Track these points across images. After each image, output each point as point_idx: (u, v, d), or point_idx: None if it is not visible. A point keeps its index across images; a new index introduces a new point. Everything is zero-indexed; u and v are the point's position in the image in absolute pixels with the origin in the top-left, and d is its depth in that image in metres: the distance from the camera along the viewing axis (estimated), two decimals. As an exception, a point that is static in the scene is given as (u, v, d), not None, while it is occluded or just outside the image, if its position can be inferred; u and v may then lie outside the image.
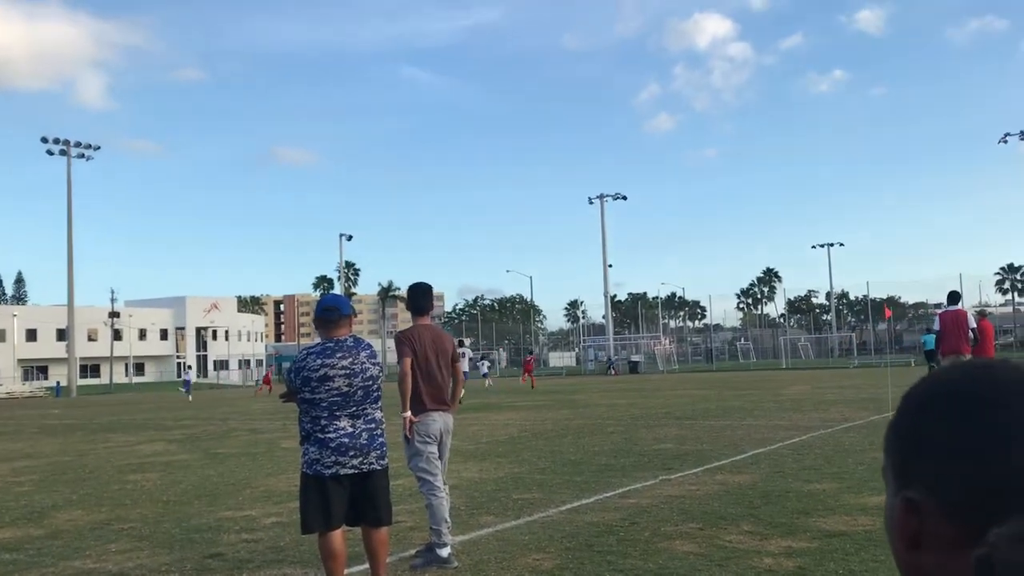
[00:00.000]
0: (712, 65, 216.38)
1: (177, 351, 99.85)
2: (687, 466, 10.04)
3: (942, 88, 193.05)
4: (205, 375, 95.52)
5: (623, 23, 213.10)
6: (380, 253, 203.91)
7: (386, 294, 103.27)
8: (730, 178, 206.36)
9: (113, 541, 7.14)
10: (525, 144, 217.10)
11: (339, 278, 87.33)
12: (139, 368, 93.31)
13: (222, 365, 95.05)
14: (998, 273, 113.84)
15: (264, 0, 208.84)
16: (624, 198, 70.16)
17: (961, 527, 0.69)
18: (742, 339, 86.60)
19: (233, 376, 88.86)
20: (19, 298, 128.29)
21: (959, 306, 13.65)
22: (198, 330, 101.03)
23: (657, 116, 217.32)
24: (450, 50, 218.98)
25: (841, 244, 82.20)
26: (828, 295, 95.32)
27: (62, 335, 76.98)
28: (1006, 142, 56.89)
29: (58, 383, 67.23)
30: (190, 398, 42.39)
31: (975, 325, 13.09)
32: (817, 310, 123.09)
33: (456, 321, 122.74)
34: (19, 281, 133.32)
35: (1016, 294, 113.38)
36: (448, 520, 6.03)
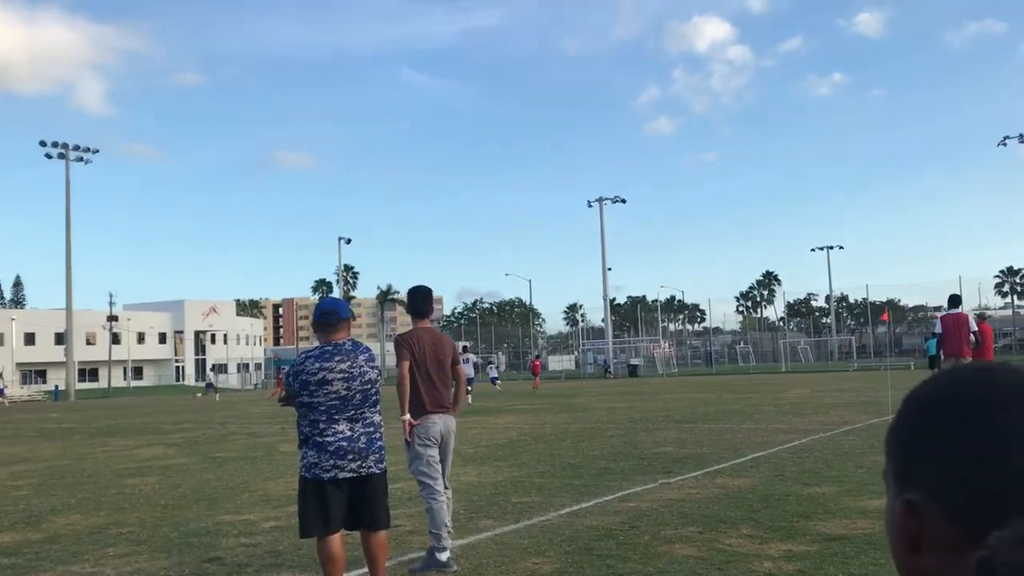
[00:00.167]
0: (712, 68, 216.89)
1: (176, 355, 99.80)
2: (687, 470, 10.03)
3: (941, 91, 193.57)
4: (203, 379, 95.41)
5: (622, 26, 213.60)
6: (379, 256, 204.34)
7: (385, 297, 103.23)
8: (729, 181, 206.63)
9: (111, 545, 7.12)
10: (524, 147, 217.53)
11: (338, 281, 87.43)
12: (137, 372, 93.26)
13: (221, 369, 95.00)
14: (998, 276, 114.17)
15: (263, 4, 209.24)
16: (623, 201, 70.25)
17: (961, 530, 0.69)
18: (742, 342, 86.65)
19: (232, 380, 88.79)
20: (17, 302, 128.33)
21: (959, 309, 13.68)
22: (197, 334, 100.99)
23: (657, 119, 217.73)
24: (449, 53, 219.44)
25: (841, 247, 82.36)
26: (828, 298, 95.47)
27: (60, 339, 76.87)
28: (1005, 145, 56.92)
29: (56, 387, 67.18)
30: (217, 397, 42.53)
31: (976, 328, 13.12)
32: (817, 313, 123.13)
33: (455, 324, 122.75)
34: (17, 284, 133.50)
35: (1016, 297, 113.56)
36: (448, 524, 6.01)
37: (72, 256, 65.83)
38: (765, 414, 18.19)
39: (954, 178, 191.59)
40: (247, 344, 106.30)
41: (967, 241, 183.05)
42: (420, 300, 6.40)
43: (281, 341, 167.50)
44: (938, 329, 13.46)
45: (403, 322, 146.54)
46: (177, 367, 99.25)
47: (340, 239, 77.97)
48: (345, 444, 4.88)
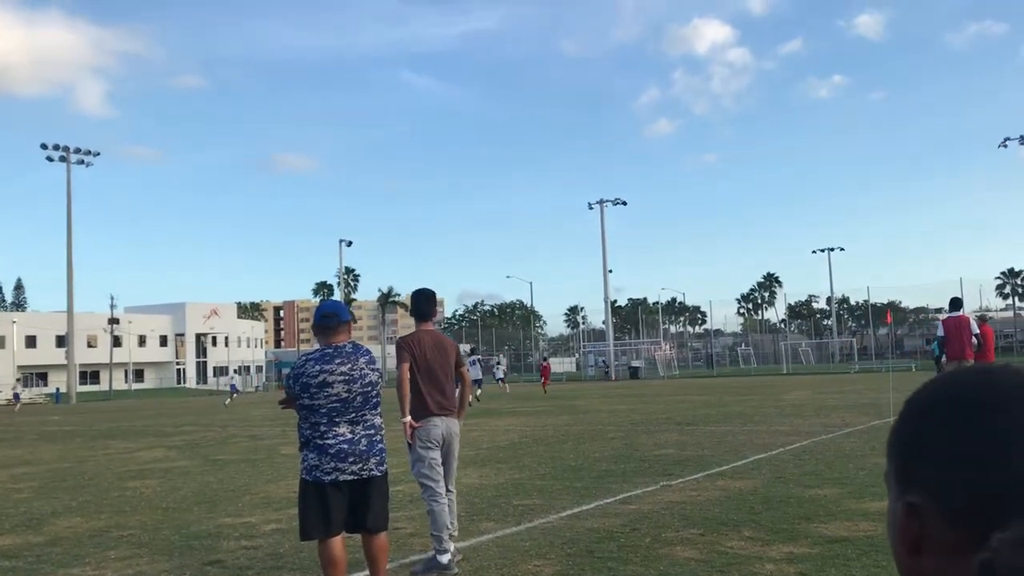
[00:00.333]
0: (712, 70, 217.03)
1: (177, 357, 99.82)
2: (688, 472, 10.02)
3: (942, 92, 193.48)
4: (205, 381, 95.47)
5: (622, 28, 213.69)
6: (380, 259, 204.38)
7: (386, 300, 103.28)
8: (730, 183, 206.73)
9: (112, 548, 7.12)
10: (525, 149, 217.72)
11: (339, 284, 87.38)
12: (139, 375, 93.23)
13: (222, 371, 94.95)
14: (999, 278, 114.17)
15: (263, 6, 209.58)
16: (624, 203, 70.20)
17: (962, 532, 0.69)
18: (743, 344, 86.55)
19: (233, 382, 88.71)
20: (18, 304, 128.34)
21: (961, 312, 13.68)
22: (198, 336, 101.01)
23: (657, 121, 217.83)
24: (449, 55, 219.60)
25: (842, 249, 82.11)
26: (829, 300, 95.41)
27: (62, 341, 76.93)
28: (1006, 146, 56.86)
29: (57, 389, 67.23)
30: (233, 396, 42.68)
31: (977, 330, 13.12)
32: (818, 315, 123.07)
33: (456, 327, 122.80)
34: (18, 287, 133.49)
35: (1017, 299, 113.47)
36: (450, 526, 6.02)
37: (73, 259, 65.99)
38: (766, 416, 18.18)
39: (955, 180, 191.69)
40: (248, 347, 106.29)
41: (968, 243, 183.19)
42: (423, 303, 6.41)
43: (282, 344, 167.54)
44: (940, 332, 13.48)
45: (404, 324, 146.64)
46: (178, 370, 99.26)
47: (341, 241, 78.02)
48: (346, 447, 4.88)
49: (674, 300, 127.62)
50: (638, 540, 6.49)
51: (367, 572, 5.29)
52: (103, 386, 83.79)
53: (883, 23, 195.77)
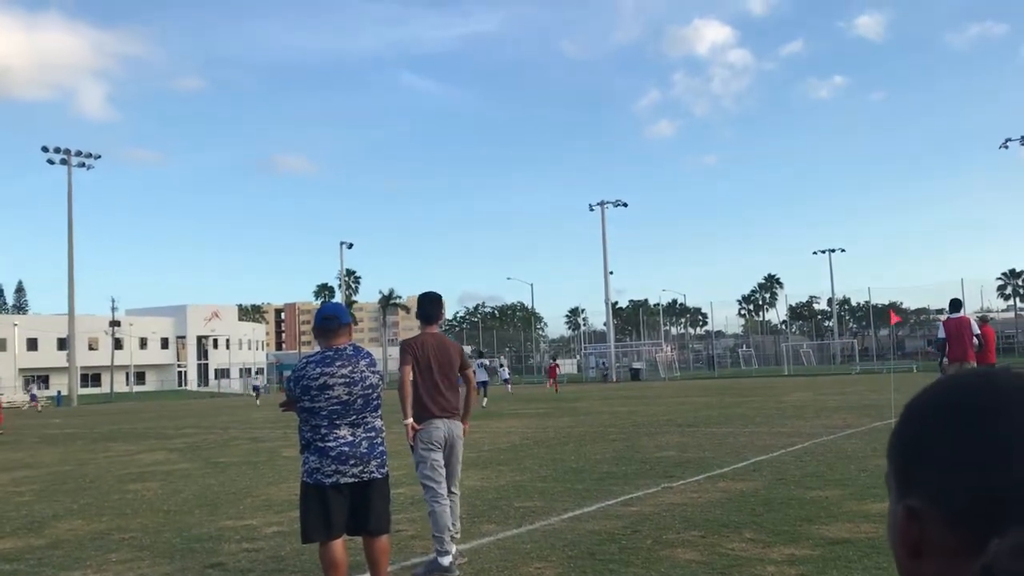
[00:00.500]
0: (712, 72, 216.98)
1: (178, 360, 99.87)
2: (689, 473, 10.02)
3: (942, 93, 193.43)
4: (206, 384, 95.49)
5: (622, 30, 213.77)
6: (381, 261, 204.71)
7: (387, 302, 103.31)
8: (731, 184, 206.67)
9: (114, 551, 7.12)
10: (525, 151, 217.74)
11: (340, 286, 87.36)
12: (140, 377, 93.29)
13: (223, 374, 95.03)
14: (1000, 278, 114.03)
15: (263, 8, 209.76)
16: (625, 205, 70.11)
17: (963, 536, 0.69)
18: (744, 346, 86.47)
19: (234, 385, 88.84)
20: (20, 307, 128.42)
21: (961, 313, 13.67)
22: (199, 338, 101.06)
23: (657, 122, 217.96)
24: (449, 57, 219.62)
25: (842, 250, 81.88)
26: (830, 301, 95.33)
27: (63, 344, 76.94)
28: (1007, 147, 56.86)
29: (59, 392, 67.23)
30: (258, 402, 43.03)
31: (978, 331, 13.12)
32: (819, 316, 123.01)
33: (457, 329, 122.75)
34: (20, 290, 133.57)
35: (1018, 299, 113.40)
36: (452, 528, 6.02)
37: (74, 261, 65.96)
38: (767, 417, 18.17)
39: (955, 180, 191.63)
40: (249, 349, 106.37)
41: (969, 243, 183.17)
42: (428, 305, 6.43)
43: (283, 346, 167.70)
44: (941, 334, 13.47)
45: (404, 326, 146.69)
46: (179, 372, 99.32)
47: (342, 243, 77.97)
48: (347, 449, 4.88)
49: (675, 302, 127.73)
50: (639, 542, 6.48)
51: (368, 575, 5.28)
52: (104, 388, 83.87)
53: (883, 24, 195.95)
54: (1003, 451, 0.69)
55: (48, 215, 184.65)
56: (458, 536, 6.25)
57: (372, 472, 4.95)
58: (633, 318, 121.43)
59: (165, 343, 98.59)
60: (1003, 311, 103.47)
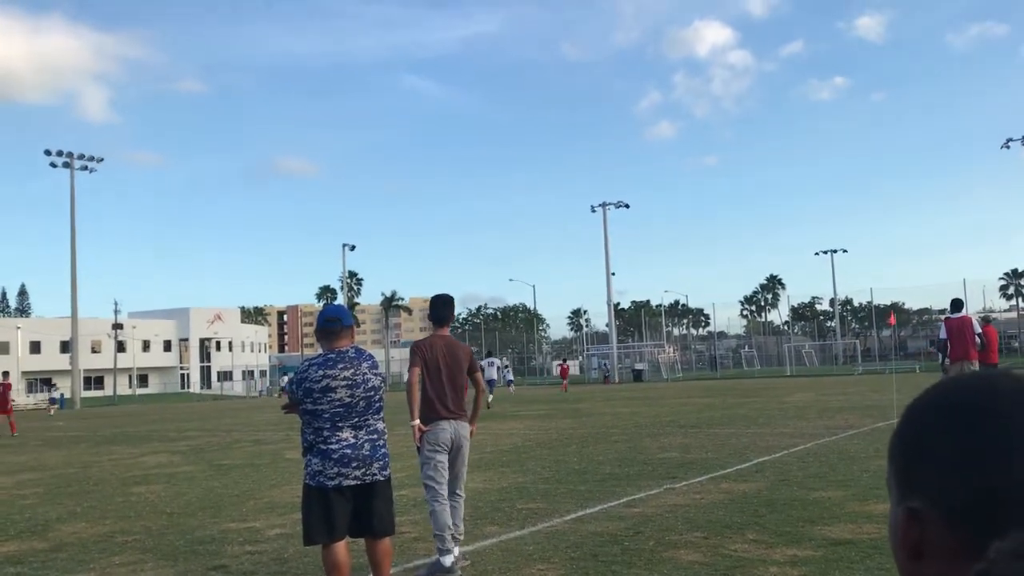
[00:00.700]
0: (712, 73, 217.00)
1: (181, 362, 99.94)
2: (692, 475, 10.01)
3: (943, 93, 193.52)
4: (209, 386, 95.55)
5: (623, 32, 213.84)
6: (383, 262, 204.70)
7: (389, 304, 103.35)
8: (732, 185, 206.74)
9: (117, 553, 7.13)
10: (527, 152, 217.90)
11: (342, 288, 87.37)
12: (143, 380, 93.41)
13: (226, 376, 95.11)
14: (1002, 278, 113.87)
15: (264, 11, 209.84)
16: (626, 206, 70.07)
17: (963, 538, 0.69)
18: (746, 346, 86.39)
19: (237, 387, 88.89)
20: (23, 310, 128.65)
21: (963, 313, 13.66)
22: (202, 341, 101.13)
23: (658, 124, 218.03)
24: (451, 59, 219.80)
25: (844, 251, 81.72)
26: (832, 302, 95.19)
27: (66, 347, 76.99)
28: (1008, 147, 56.76)
29: (62, 395, 67.25)
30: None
31: (980, 331, 13.10)
32: (821, 317, 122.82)
33: (459, 330, 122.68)
34: (22, 293, 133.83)
35: (1020, 300, 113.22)
36: (452, 527, 6.02)
37: (77, 264, 65.99)
38: (770, 418, 18.16)
39: (957, 181, 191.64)
40: (252, 351, 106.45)
41: (971, 244, 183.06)
42: (440, 308, 6.46)
43: (286, 348, 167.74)
44: (943, 334, 13.45)
45: (407, 328, 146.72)
46: (182, 375, 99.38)
47: (344, 246, 77.95)
48: (349, 451, 4.88)
49: (677, 302, 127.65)
50: (642, 543, 6.48)
51: (371, 576, 5.29)
52: (107, 391, 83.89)
53: (884, 24, 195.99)
54: (1004, 453, 0.69)
55: (51, 218, 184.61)
56: (462, 538, 6.27)
57: (375, 474, 4.96)
58: (635, 319, 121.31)
59: (168, 346, 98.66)
60: (1005, 311, 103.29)
